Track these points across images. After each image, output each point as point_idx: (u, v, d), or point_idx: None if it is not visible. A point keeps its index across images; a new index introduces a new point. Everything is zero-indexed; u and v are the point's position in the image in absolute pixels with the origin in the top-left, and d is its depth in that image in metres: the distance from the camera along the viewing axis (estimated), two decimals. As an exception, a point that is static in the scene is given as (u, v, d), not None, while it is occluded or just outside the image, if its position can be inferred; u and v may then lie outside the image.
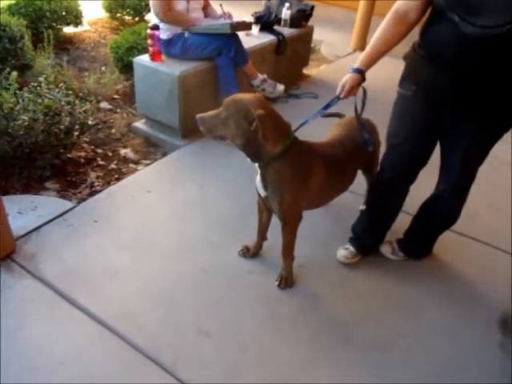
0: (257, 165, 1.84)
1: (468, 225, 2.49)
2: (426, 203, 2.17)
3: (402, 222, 2.27)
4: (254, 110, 1.65)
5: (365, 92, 1.97)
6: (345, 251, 2.28)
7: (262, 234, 2.22)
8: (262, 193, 1.93)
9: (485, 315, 2.06)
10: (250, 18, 3.83)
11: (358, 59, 1.85)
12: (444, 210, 2.12)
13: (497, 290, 2.20)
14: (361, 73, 1.84)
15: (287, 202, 1.86)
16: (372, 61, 1.83)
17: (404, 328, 1.98)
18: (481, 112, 1.72)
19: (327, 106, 1.94)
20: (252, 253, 2.25)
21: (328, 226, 2.52)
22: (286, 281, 2.10)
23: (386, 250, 2.33)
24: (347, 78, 1.86)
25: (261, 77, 3.50)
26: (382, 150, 2.10)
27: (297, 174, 1.83)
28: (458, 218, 2.12)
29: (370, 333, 1.94)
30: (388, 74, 2.16)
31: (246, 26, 3.40)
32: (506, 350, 1.89)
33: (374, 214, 2.26)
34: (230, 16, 3.40)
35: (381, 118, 2.19)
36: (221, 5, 3.41)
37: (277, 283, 2.10)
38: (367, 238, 2.29)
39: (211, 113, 1.76)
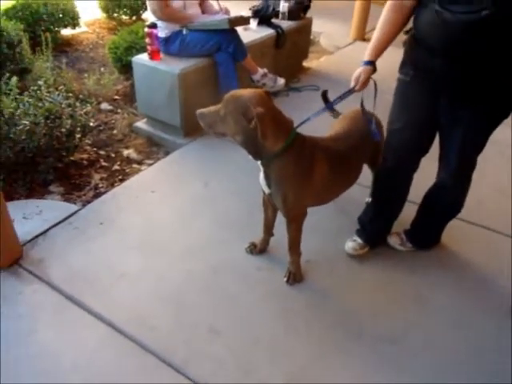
0: (259, 162, 1.82)
1: (476, 212, 2.47)
2: (428, 192, 2.16)
3: (409, 213, 2.25)
4: (254, 107, 1.62)
5: (375, 84, 1.96)
6: (353, 243, 2.26)
7: (269, 230, 2.21)
8: (266, 190, 1.91)
9: (497, 303, 2.05)
10: (247, 12, 3.81)
11: (366, 51, 1.88)
12: (447, 198, 2.10)
13: (508, 277, 2.18)
14: (372, 64, 1.88)
15: (291, 199, 1.84)
16: (379, 51, 1.87)
17: (415, 319, 1.97)
18: (475, 97, 1.72)
19: (339, 99, 1.95)
20: (259, 249, 2.24)
21: (334, 220, 2.50)
22: (295, 276, 2.09)
23: (394, 241, 2.32)
24: (360, 70, 1.89)
25: (261, 71, 3.47)
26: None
27: (300, 171, 1.81)
28: (462, 206, 2.11)
29: (382, 325, 1.93)
30: (390, 63, 2.13)
31: (244, 21, 3.36)
32: None
33: (380, 204, 2.24)
34: (227, 11, 3.37)
35: (382, 107, 2.16)
36: (217, 0, 3.38)
37: (285, 279, 2.09)
38: (374, 228, 2.27)
39: (211, 108, 1.75)
